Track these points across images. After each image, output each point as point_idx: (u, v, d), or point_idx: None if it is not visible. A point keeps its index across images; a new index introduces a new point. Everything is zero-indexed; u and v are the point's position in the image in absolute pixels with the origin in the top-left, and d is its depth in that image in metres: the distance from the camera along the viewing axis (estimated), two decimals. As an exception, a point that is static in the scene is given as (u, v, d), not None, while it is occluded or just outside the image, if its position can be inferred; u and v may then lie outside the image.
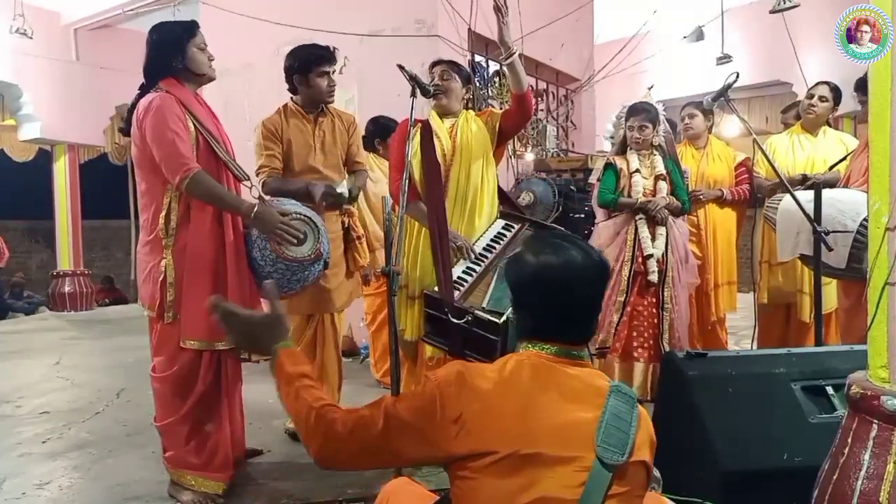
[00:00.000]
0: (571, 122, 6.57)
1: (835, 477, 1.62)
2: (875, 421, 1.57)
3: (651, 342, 3.48)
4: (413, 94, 2.63)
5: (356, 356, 4.90)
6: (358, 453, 1.29)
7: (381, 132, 4.00)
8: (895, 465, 1.52)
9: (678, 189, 3.55)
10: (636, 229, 3.48)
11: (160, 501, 2.48)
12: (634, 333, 3.48)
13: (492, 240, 2.76)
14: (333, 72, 3.06)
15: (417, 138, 2.71)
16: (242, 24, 5.39)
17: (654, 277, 3.45)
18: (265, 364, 2.87)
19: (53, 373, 4.80)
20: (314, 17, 5.19)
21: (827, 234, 2.69)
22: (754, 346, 3.61)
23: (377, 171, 4.07)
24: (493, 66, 5.60)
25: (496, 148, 2.88)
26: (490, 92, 5.53)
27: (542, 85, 6.18)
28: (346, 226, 3.16)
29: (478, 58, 5.36)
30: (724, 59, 6.90)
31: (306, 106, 3.09)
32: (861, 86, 3.27)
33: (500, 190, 2.96)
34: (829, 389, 2.13)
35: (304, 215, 2.49)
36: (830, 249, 2.72)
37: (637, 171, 3.54)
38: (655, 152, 3.59)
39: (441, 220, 2.60)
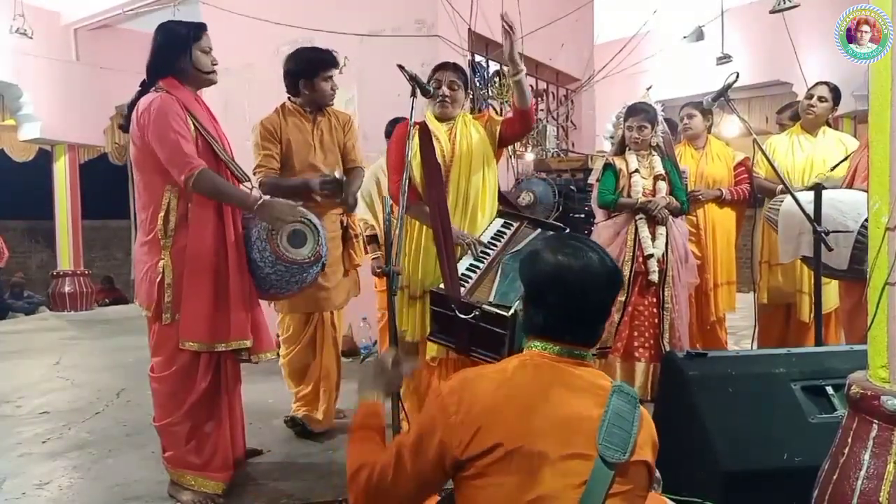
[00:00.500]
0: (571, 122, 6.57)
1: (835, 477, 1.62)
2: (875, 421, 1.57)
3: (652, 342, 3.48)
4: (413, 95, 2.63)
5: (356, 356, 4.90)
6: (391, 497, 1.31)
7: None
8: (895, 465, 1.52)
9: (676, 189, 3.56)
10: (636, 229, 3.49)
11: (160, 501, 2.48)
12: (635, 333, 3.48)
13: (493, 237, 2.77)
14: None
15: (416, 139, 2.71)
16: (242, 24, 5.39)
17: (654, 277, 3.46)
18: (265, 364, 2.89)
19: (53, 373, 4.80)
20: (314, 17, 5.19)
21: (827, 233, 2.69)
22: (754, 346, 3.61)
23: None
24: (493, 66, 5.60)
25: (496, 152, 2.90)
26: (490, 92, 5.53)
27: (542, 85, 6.17)
28: (346, 224, 3.17)
29: (478, 58, 5.36)
30: (724, 59, 6.90)
31: (306, 106, 3.12)
32: None
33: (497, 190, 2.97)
34: (829, 389, 2.13)
35: (304, 217, 2.49)
36: (830, 249, 2.71)
37: (636, 171, 3.54)
38: (654, 153, 3.60)
39: (444, 217, 2.59)
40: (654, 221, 3.49)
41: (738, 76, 2.82)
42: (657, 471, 2.00)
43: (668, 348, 3.42)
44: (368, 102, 5.04)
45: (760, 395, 2.11)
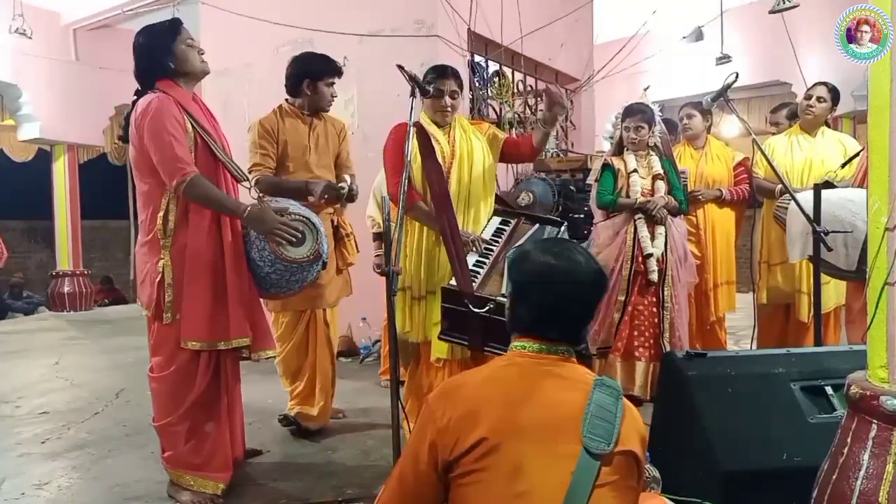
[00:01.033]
0: (571, 122, 6.56)
1: (834, 477, 1.62)
2: (874, 421, 1.57)
3: (652, 341, 3.49)
4: (413, 95, 2.63)
5: (356, 356, 4.90)
6: None
7: None
8: (894, 465, 1.52)
9: (675, 189, 3.57)
10: (635, 229, 3.49)
11: (160, 501, 2.48)
12: (635, 333, 3.49)
13: (493, 235, 2.79)
14: None
15: (415, 140, 2.71)
16: (242, 24, 5.39)
17: (654, 277, 3.46)
18: (264, 364, 2.88)
19: (53, 373, 4.79)
20: (314, 17, 5.19)
21: (826, 233, 2.69)
22: (754, 346, 3.62)
23: None
24: (493, 66, 5.60)
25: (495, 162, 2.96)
26: (490, 92, 5.53)
27: (542, 85, 6.17)
28: (336, 224, 3.19)
29: (477, 58, 5.36)
30: (724, 59, 6.90)
31: (304, 109, 3.16)
32: None
33: None
34: (829, 389, 2.13)
35: (303, 216, 2.49)
36: (830, 250, 2.72)
37: (635, 171, 3.55)
38: (652, 153, 3.61)
39: (450, 213, 2.60)
40: (653, 221, 3.50)
41: (737, 76, 2.82)
42: (657, 470, 2.01)
43: (667, 348, 3.42)
44: (368, 102, 5.04)
45: (760, 395, 2.11)
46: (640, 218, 3.50)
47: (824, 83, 3.88)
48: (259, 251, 2.43)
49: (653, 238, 3.49)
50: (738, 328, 5.12)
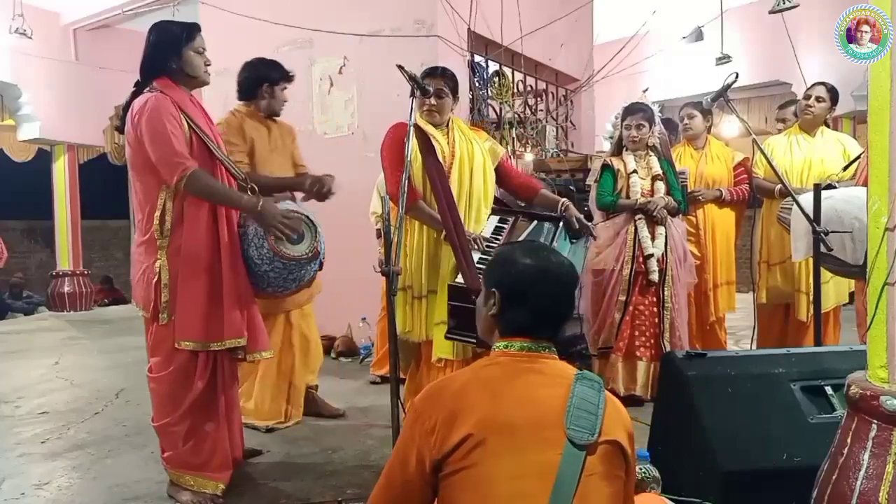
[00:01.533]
0: (571, 122, 6.56)
1: (834, 477, 1.62)
2: (874, 421, 1.57)
3: (653, 341, 3.50)
4: (413, 94, 2.63)
5: (356, 356, 4.90)
6: None
7: None
8: (894, 466, 1.52)
9: (673, 190, 3.57)
10: (636, 230, 3.50)
11: (160, 501, 2.48)
12: (637, 333, 3.50)
13: (493, 233, 2.80)
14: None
15: (414, 140, 2.71)
16: (242, 24, 5.39)
17: (654, 277, 3.47)
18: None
19: (53, 373, 4.79)
20: (314, 17, 5.19)
21: (826, 234, 2.70)
22: (753, 346, 3.62)
23: None
24: (493, 66, 5.60)
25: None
26: (490, 92, 5.53)
27: (542, 85, 6.17)
28: None
29: (477, 58, 5.36)
30: (724, 59, 6.90)
31: (260, 111, 3.26)
32: None
33: None
34: (829, 389, 2.13)
35: (302, 214, 2.49)
36: (830, 249, 2.73)
37: (634, 171, 3.55)
38: (651, 153, 3.61)
39: (453, 211, 2.60)
40: (653, 222, 3.50)
41: (737, 76, 2.82)
42: (656, 470, 2.01)
43: (668, 347, 3.43)
44: (368, 102, 5.04)
45: (760, 395, 2.11)
46: (640, 218, 3.50)
47: (823, 83, 3.88)
48: (257, 249, 2.43)
49: (653, 238, 3.49)
50: (738, 328, 5.12)
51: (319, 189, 2.87)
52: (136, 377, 4.25)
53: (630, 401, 3.39)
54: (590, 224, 2.84)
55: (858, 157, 3.53)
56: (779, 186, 3.64)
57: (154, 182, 2.34)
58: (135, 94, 2.41)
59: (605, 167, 3.64)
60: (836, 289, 3.70)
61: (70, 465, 2.88)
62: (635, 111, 3.58)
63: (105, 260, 12.55)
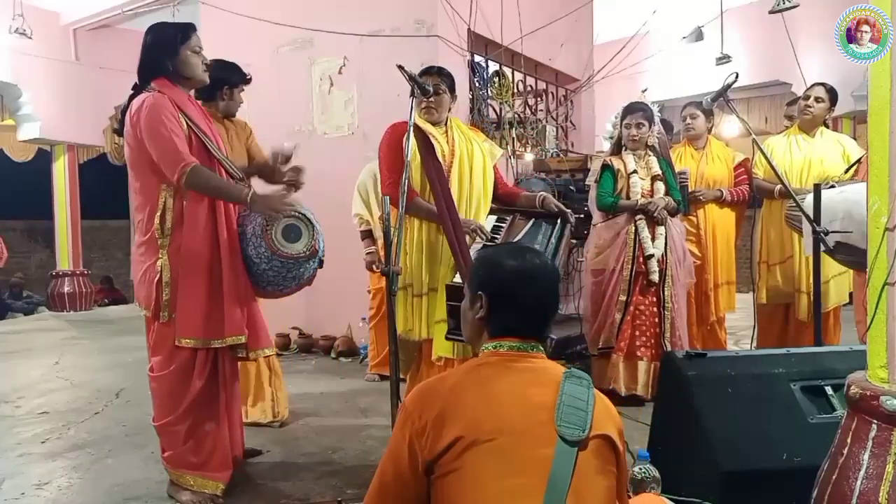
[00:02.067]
0: (571, 122, 6.56)
1: (834, 477, 1.62)
2: (874, 421, 1.57)
3: (653, 341, 3.50)
4: (413, 94, 2.63)
5: (356, 356, 4.90)
6: None
7: None
8: (894, 466, 1.52)
9: (672, 190, 3.58)
10: (636, 230, 3.50)
11: (159, 501, 2.48)
12: (637, 333, 3.50)
13: (491, 233, 2.80)
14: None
15: (413, 140, 2.71)
16: (242, 24, 5.39)
17: (654, 277, 3.47)
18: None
19: (53, 373, 4.80)
20: (314, 17, 5.20)
21: (826, 234, 2.70)
22: (753, 346, 3.62)
23: None
24: (493, 66, 5.60)
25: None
26: (490, 92, 5.53)
27: (542, 85, 6.17)
28: None
29: (477, 58, 5.36)
30: (724, 59, 6.90)
31: (218, 112, 3.26)
32: None
33: None
34: (829, 389, 2.13)
35: (300, 212, 2.49)
36: (830, 249, 2.73)
37: (634, 171, 3.55)
38: (650, 153, 3.61)
39: (452, 210, 2.60)
40: (653, 222, 3.50)
41: (737, 76, 2.82)
42: (656, 470, 2.01)
43: (669, 347, 3.43)
44: (368, 102, 5.04)
45: (760, 395, 2.11)
46: (640, 219, 3.51)
47: (822, 84, 3.89)
48: (255, 248, 2.43)
49: (653, 239, 3.50)
50: (738, 328, 5.12)
51: (284, 161, 2.72)
52: (136, 377, 4.25)
53: (631, 401, 3.40)
54: (568, 211, 2.82)
55: (859, 160, 3.53)
56: (778, 187, 3.64)
57: (154, 182, 2.34)
58: (133, 96, 2.41)
59: (605, 167, 3.64)
60: (836, 289, 3.71)
61: (70, 465, 2.88)
62: (635, 110, 3.59)
63: (105, 260, 12.55)
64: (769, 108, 8.84)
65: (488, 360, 1.40)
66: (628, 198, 3.55)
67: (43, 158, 9.16)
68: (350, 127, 5.19)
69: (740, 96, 8.55)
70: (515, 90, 5.78)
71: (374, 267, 4.10)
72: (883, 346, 1.60)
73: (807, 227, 3.09)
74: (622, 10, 7.23)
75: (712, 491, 1.96)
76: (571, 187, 4.81)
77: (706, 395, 2.11)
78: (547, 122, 6.11)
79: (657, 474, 2.02)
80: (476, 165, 2.79)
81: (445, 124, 2.85)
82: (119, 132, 2.45)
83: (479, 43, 5.25)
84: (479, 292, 1.43)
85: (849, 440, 1.62)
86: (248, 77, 3.36)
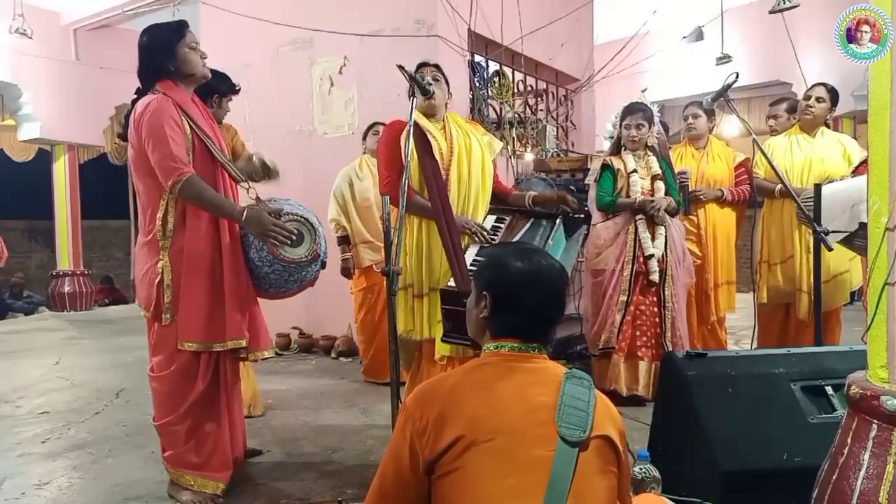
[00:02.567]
0: (571, 122, 6.56)
1: (834, 477, 1.62)
2: (875, 421, 1.57)
3: (654, 341, 3.50)
4: (412, 94, 2.63)
5: (356, 356, 4.90)
6: None
7: None
8: (895, 466, 1.52)
9: (672, 190, 3.58)
10: (636, 230, 3.50)
11: (160, 501, 2.48)
12: (638, 333, 3.50)
13: (490, 233, 2.79)
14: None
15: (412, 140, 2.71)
16: (242, 24, 5.39)
17: (655, 277, 3.47)
18: (265, 364, 2.85)
19: (53, 373, 4.80)
20: (314, 17, 5.20)
21: (826, 234, 2.70)
22: (754, 346, 3.62)
23: (365, 171, 4.25)
24: (493, 66, 5.60)
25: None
26: (490, 92, 5.53)
27: (542, 85, 6.17)
28: None
29: (477, 58, 5.36)
30: (724, 59, 6.90)
31: None
32: None
33: None
34: (829, 389, 2.13)
35: (300, 216, 2.48)
36: (830, 249, 2.73)
37: (634, 171, 3.55)
38: (650, 153, 3.61)
39: (448, 213, 2.59)
40: (652, 222, 3.50)
41: (737, 76, 2.82)
42: (656, 470, 2.01)
43: (669, 347, 3.43)
44: (368, 102, 5.04)
45: (760, 395, 2.11)
46: (640, 219, 3.51)
47: (823, 84, 3.88)
48: (257, 251, 2.43)
49: (653, 239, 3.50)
50: (738, 328, 5.12)
51: (267, 173, 2.73)
52: (136, 377, 4.26)
53: (632, 401, 3.40)
54: (568, 196, 2.82)
55: (864, 162, 3.52)
56: (779, 186, 3.64)
57: (156, 184, 2.34)
58: (136, 100, 2.41)
59: (605, 167, 3.64)
60: (837, 289, 3.71)
61: (70, 465, 2.88)
62: (635, 111, 3.59)
63: (105, 260, 12.56)
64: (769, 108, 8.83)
65: (489, 360, 1.40)
66: (628, 197, 3.55)
67: (43, 158, 9.16)
68: (350, 127, 5.19)
69: (740, 96, 8.55)
70: (515, 90, 5.78)
71: (350, 273, 4.19)
72: (883, 346, 1.60)
73: (828, 213, 3.05)
74: (622, 10, 7.23)
75: (712, 491, 1.96)
76: (571, 187, 4.81)
77: (706, 395, 2.11)
78: (547, 121, 6.11)
79: (657, 474, 2.01)
80: (475, 162, 2.78)
81: (443, 120, 2.84)
82: (123, 137, 2.44)
83: (479, 43, 5.25)
84: (484, 292, 1.43)
85: (849, 440, 1.62)
86: (238, 88, 3.38)
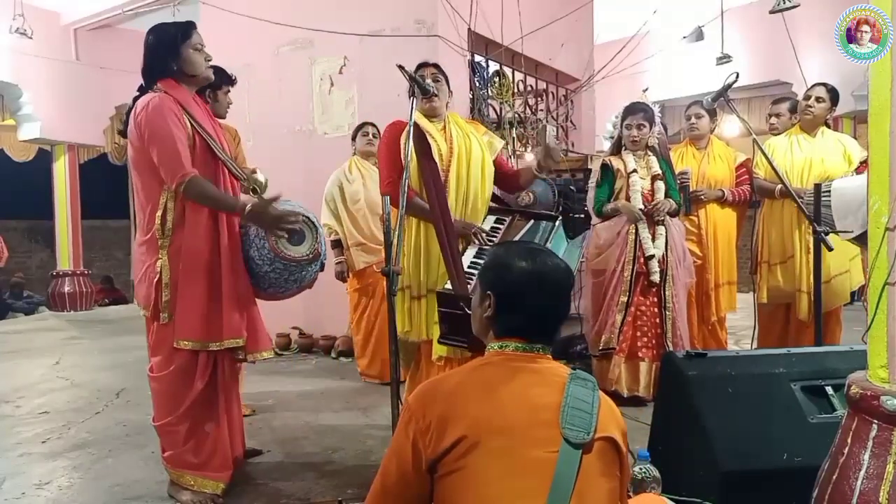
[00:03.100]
0: (571, 122, 6.56)
1: (834, 477, 1.62)
2: (875, 421, 1.57)
3: (654, 341, 3.49)
4: (412, 94, 2.62)
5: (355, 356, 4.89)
6: None
7: None
8: (895, 465, 1.52)
9: (671, 190, 3.58)
10: (637, 230, 3.50)
11: (160, 501, 2.48)
12: (638, 333, 3.50)
13: (490, 232, 2.79)
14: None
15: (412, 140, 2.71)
16: (242, 24, 5.39)
17: (655, 278, 3.47)
18: (265, 364, 2.84)
19: (53, 373, 4.80)
20: (314, 17, 5.20)
21: (827, 234, 2.70)
22: (754, 346, 3.62)
23: (354, 173, 4.24)
24: (493, 66, 5.60)
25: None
26: (490, 92, 5.53)
27: (542, 85, 6.17)
28: None
29: (477, 58, 5.36)
30: (724, 59, 6.90)
31: None
32: None
33: None
34: (829, 389, 2.12)
35: (303, 216, 2.49)
36: (830, 249, 2.73)
37: (634, 171, 3.55)
38: (650, 153, 3.61)
39: (446, 216, 2.59)
40: (653, 222, 3.50)
41: (737, 76, 2.82)
42: (656, 470, 2.01)
43: (670, 347, 3.43)
44: (368, 102, 5.04)
45: (760, 394, 2.11)
46: (640, 219, 3.51)
47: (823, 84, 3.88)
48: (258, 249, 2.43)
49: (653, 239, 3.50)
50: (739, 328, 5.12)
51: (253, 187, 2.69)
52: (136, 377, 4.26)
53: (633, 402, 3.40)
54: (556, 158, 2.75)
55: (865, 162, 3.52)
56: (779, 186, 3.64)
57: (156, 182, 2.34)
58: (138, 98, 2.41)
59: (605, 167, 3.64)
60: (837, 288, 3.71)
61: (70, 465, 2.88)
62: (635, 111, 3.58)
63: (105, 260, 12.55)
64: (769, 108, 8.83)
65: (492, 359, 1.40)
66: (628, 198, 3.55)
67: (43, 158, 9.16)
68: (350, 127, 5.17)
69: (740, 96, 8.55)
70: (515, 90, 5.78)
71: (344, 277, 4.20)
72: (883, 346, 1.60)
73: (839, 211, 3.05)
74: (622, 10, 7.23)
75: (712, 491, 1.96)
76: (572, 187, 4.81)
77: (706, 395, 2.11)
78: (547, 121, 6.11)
79: (657, 474, 2.01)
80: (474, 163, 2.78)
81: (443, 120, 2.84)
82: (123, 133, 2.45)
83: (479, 43, 5.25)
84: (488, 292, 1.42)
85: (849, 440, 1.62)
86: (234, 79, 3.34)
